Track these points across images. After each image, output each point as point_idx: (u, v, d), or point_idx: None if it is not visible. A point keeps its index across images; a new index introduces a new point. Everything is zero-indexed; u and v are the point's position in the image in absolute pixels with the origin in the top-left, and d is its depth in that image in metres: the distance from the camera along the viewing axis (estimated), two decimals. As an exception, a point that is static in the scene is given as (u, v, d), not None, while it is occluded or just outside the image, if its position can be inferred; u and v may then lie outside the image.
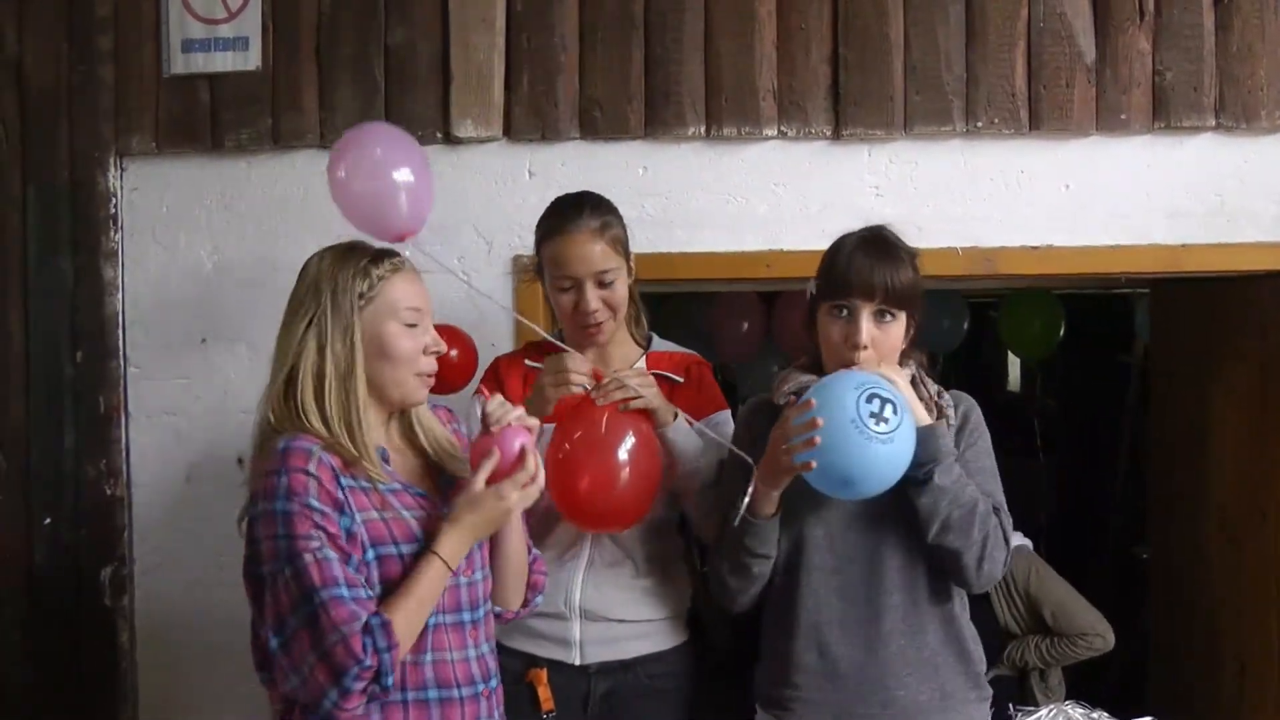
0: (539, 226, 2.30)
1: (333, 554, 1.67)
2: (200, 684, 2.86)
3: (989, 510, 2.02)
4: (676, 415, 2.22)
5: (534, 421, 1.86)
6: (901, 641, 2.04)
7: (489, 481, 1.80)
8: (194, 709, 2.87)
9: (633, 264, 2.30)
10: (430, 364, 1.85)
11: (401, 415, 1.91)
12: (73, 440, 2.87)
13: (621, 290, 2.26)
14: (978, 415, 2.15)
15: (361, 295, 1.80)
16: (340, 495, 1.72)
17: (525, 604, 2.03)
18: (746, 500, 2.01)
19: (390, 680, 1.67)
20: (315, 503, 1.68)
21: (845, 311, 2.02)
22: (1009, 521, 2.07)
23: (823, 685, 2.05)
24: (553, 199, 2.33)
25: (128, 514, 2.89)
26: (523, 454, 1.80)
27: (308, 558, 1.65)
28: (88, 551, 2.87)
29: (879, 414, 1.85)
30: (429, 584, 1.75)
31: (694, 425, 2.22)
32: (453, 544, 1.77)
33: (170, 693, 2.88)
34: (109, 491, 2.88)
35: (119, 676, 2.88)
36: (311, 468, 1.70)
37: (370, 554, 1.74)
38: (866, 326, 2.00)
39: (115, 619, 2.88)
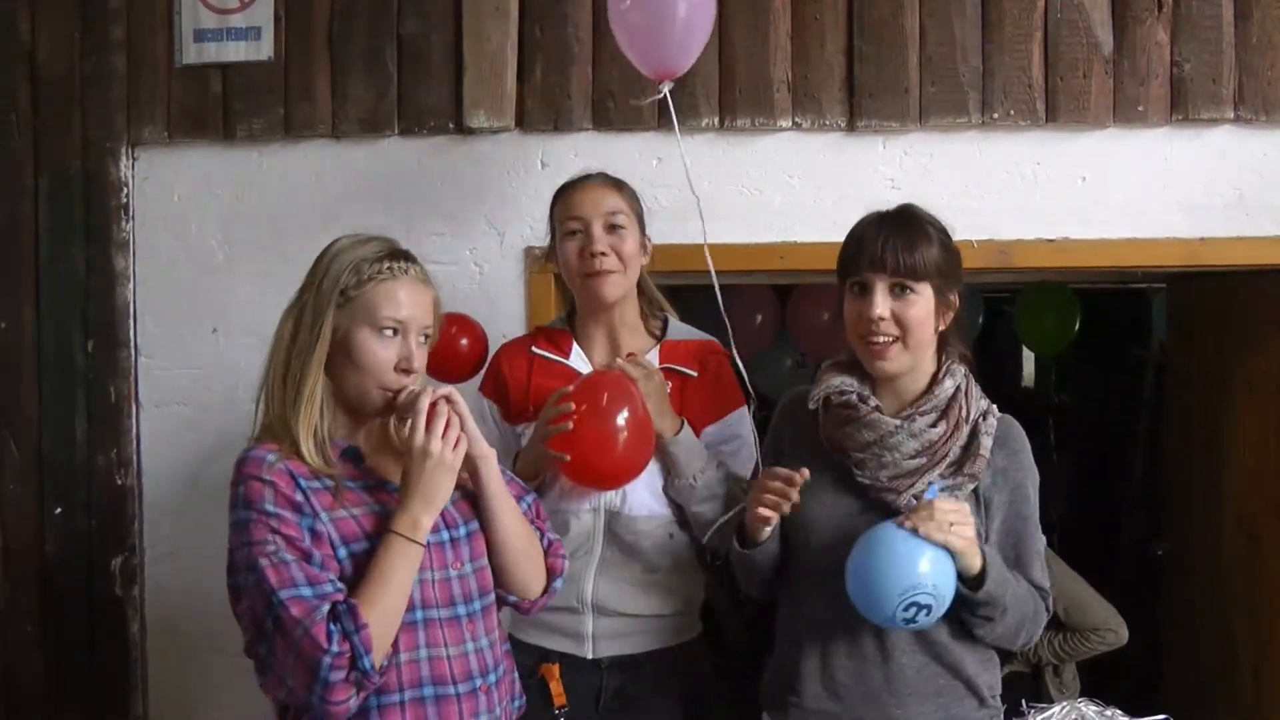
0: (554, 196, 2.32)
1: (289, 556, 1.66)
2: (210, 673, 2.86)
3: (1037, 609, 1.97)
4: (682, 425, 2.18)
5: (448, 389, 1.78)
6: (903, 660, 1.98)
7: None
8: (204, 698, 2.88)
9: (648, 244, 2.29)
10: (399, 380, 1.77)
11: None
12: (84, 430, 2.88)
13: (631, 245, 2.22)
14: (1021, 462, 2.00)
15: (345, 291, 1.75)
16: (299, 498, 1.70)
17: (546, 590, 1.96)
18: (722, 519, 2.05)
19: (369, 662, 1.62)
20: (270, 507, 1.68)
21: (861, 288, 1.96)
22: (1050, 599, 2.02)
23: (822, 696, 2.01)
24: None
25: (138, 504, 2.91)
26: (433, 407, 1.74)
27: (264, 563, 1.65)
28: (98, 541, 2.89)
29: (913, 620, 1.81)
30: (390, 561, 1.69)
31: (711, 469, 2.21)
32: (404, 515, 1.72)
33: (180, 681, 2.89)
34: (120, 481, 2.88)
35: (129, 665, 2.89)
36: (265, 474, 1.70)
37: (343, 551, 1.71)
38: (881, 299, 1.92)
39: (125, 608, 2.89)
